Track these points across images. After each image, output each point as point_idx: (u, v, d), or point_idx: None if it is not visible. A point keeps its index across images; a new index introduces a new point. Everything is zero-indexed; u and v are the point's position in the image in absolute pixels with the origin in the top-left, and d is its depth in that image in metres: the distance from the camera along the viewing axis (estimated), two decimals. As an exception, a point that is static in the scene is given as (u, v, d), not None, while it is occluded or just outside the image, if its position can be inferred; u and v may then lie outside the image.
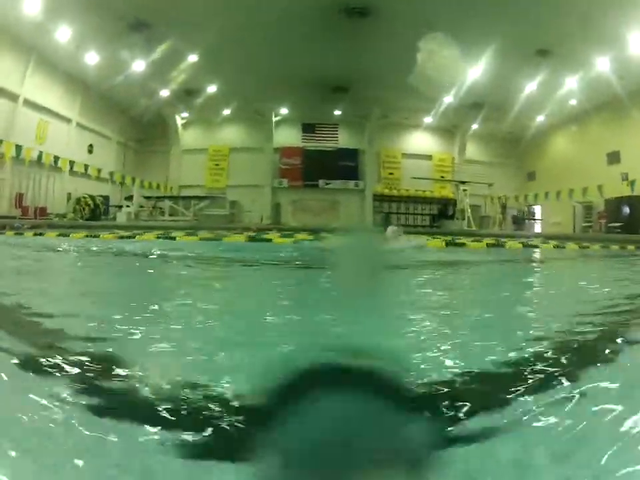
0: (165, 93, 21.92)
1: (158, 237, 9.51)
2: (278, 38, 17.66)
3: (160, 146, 23.93)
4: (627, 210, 21.23)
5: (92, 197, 20.11)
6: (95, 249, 7.06)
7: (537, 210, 23.29)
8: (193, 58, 18.67)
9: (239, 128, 23.27)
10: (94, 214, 19.83)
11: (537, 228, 23.14)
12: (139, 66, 18.48)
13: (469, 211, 19.93)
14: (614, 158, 22.35)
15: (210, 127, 23.56)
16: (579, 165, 22.65)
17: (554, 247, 10.88)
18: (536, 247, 10.88)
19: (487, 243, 10.72)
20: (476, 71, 18.88)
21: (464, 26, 16.26)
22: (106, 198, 21.89)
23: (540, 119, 22.66)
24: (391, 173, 22.31)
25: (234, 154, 23.12)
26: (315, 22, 16.52)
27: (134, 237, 9.44)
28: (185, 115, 23.76)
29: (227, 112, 22.90)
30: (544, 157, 23.53)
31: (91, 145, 22.48)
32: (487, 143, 23.36)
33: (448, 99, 21.05)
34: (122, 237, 9.45)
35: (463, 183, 20.34)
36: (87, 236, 9.51)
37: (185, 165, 23.58)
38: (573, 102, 21.83)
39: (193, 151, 23.55)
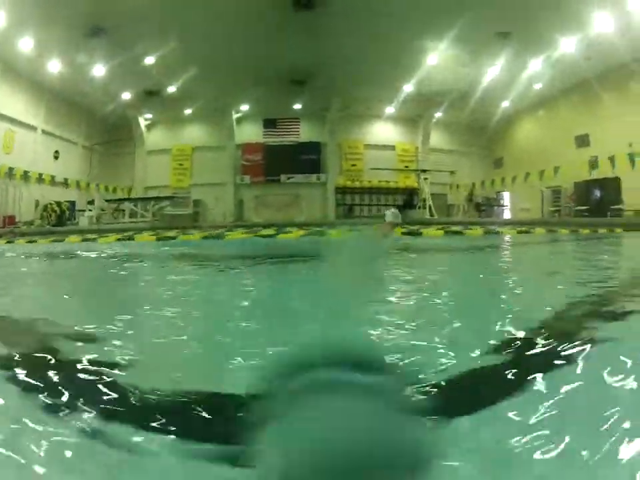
0: (126, 95, 21.99)
1: (119, 239, 9.31)
2: (232, 35, 17.59)
3: (125, 148, 23.93)
4: (594, 193, 20.70)
5: (58, 203, 20.17)
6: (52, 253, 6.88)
7: (506, 197, 22.78)
8: (150, 59, 18.69)
9: (201, 127, 23.20)
10: (60, 220, 19.88)
11: (506, 214, 22.63)
12: (99, 71, 18.69)
13: (430, 199, 19.54)
14: (583, 141, 21.83)
15: (173, 127, 23.54)
16: (546, 149, 22.18)
17: (517, 233, 10.39)
18: (496, 233, 10.47)
19: (445, 231, 10.40)
20: (435, 57, 18.57)
21: (419, 12, 16.02)
22: (72, 203, 21.94)
23: (505, 104, 22.21)
24: (353, 165, 21.99)
25: (197, 153, 23.04)
26: (267, 16, 16.41)
27: (96, 240, 9.24)
28: (148, 116, 23.78)
29: (188, 111, 22.86)
30: (511, 143, 23.07)
31: (57, 151, 22.58)
32: (452, 131, 22.94)
33: (408, 88, 20.75)
34: (85, 240, 9.26)
35: (424, 171, 19.98)
36: (52, 241, 9.34)
37: (150, 166, 23.54)
38: (539, 86, 21.38)
39: (157, 152, 23.52)
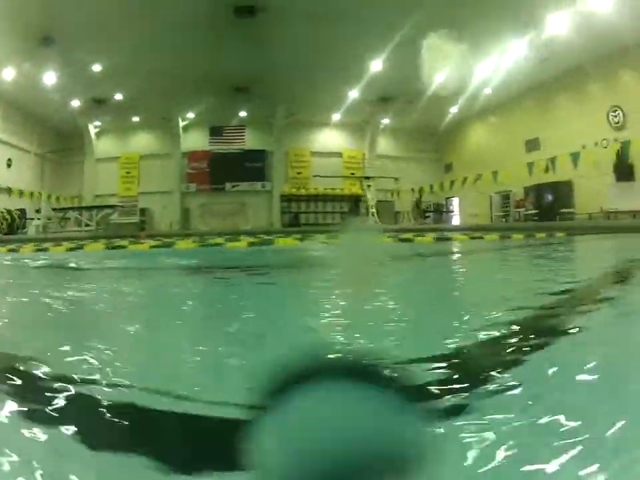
0: (76, 103, 21.93)
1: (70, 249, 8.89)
2: (175, 43, 17.46)
3: (77, 156, 23.84)
4: (545, 197, 20.39)
5: (9, 211, 20.15)
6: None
7: (455, 202, 22.49)
8: (97, 68, 18.66)
9: (148, 134, 23.04)
10: (11, 228, 19.89)
11: (455, 220, 22.35)
12: (50, 79, 18.65)
13: (374, 206, 19.27)
14: (533, 145, 21.53)
15: (121, 134, 23.40)
16: (496, 154, 21.91)
17: (470, 238, 9.87)
18: (446, 239, 10.02)
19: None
20: (379, 63, 18.31)
21: (362, 18, 15.78)
22: (23, 211, 21.90)
23: (454, 109, 21.88)
24: (299, 172, 21.76)
25: (144, 161, 22.88)
26: (209, 23, 16.27)
27: (47, 249, 8.70)
28: (98, 124, 23.68)
29: (136, 119, 22.75)
30: (461, 148, 22.76)
31: (9, 159, 22.53)
32: (402, 138, 22.66)
33: (354, 94, 20.51)
34: (38, 250, 8.85)
35: (367, 178, 19.69)
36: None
37: (99, 174, 23.41)
38: (489, 90, 21.06)
39: (106, 160, 23.37)
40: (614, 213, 18.11)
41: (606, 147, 18.53)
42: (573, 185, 20.18)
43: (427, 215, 19.80)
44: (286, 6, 15.16)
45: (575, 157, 13.88)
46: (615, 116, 18.08)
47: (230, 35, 16.44)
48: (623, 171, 17.79)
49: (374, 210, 19.04)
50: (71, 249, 8.28)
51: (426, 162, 22.54)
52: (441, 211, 21.26)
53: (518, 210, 20.57)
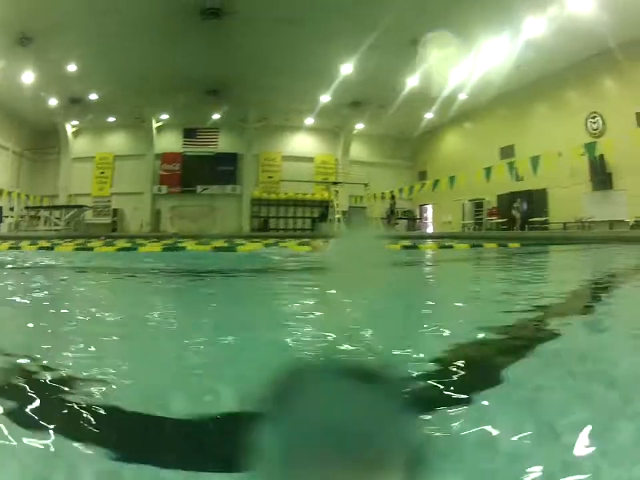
0: (53, 102, 22.02)
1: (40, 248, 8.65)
2: (146, 45, 17.49)
3: (54, 155, 23.96)
4: (516, 205, 20.00)
5: None
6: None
7: (429, 209, 22.16)
8: (73, 68, 18.75)
9: (122, 135, 23.04)
10: None
11: (429, 228, 22.03)
12: (28, 78, 18.75)
13: (340, 212, 19.03)
14: (507, 152, 21.18)
15: (97, 134, 23.42)
16: (470, 161, 21.55)
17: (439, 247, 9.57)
18: (414, 247, 9.50)
19: None
20: (349, 67, 18.09)
21: (330, 20, 15.61)
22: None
23: (429, 116, 21.58)
24: (270, 177, 21.57)
25: (118, 161, 22.87)
26: (177, 25, 16.24)
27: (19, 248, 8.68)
28: (75, 123, 23.75)
29: (111, 119, 22.79)
30: (436, 155, 22.43)
31: (-13, 156, 22.71)
32: (376, 143, 22.40)
33: (326, 99, 20.31)
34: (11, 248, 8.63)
35: (335, 184, 19.45)
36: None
37: (74, 173, 23.46)
38: (463, 96, 20.74)
39: (82, 159, 23.41)
40: (588, 223, 17.68)
41: (583, 154, 18.14)
42: (547, 194, 19.79)
43: (395, 222, 19.49)
44: (252, 9, 15.06)
45: (534, 161, 13.29)
46: (594, 122, 17.67)
47: (197, 38, 16.40)
48: (599, 179, 17.36)
49: (339, 216, 18.79)
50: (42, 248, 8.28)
51: (400, 168, 22.22)
52: (413, 218, 20.91)
53: (490, 218, 20.19)
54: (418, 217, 21.34)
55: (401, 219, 20.51)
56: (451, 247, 9.38)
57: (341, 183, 19.49)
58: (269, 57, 17.77)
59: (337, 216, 18.87)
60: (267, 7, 14.81)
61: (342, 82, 18.78)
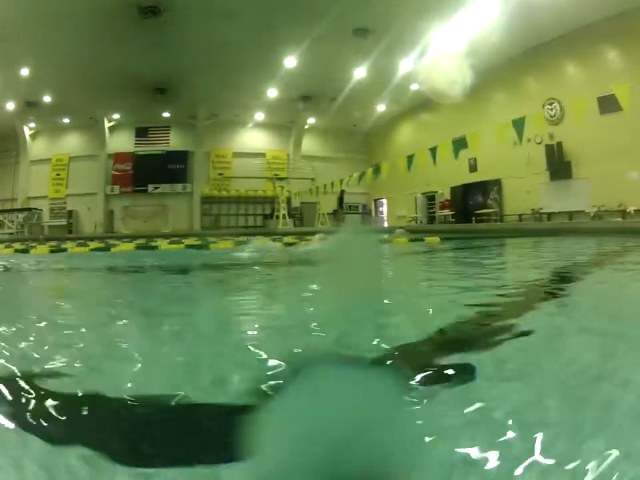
0: (11, 106, 22.09)
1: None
2: (91, 43, 17.41)
3: (12, 158, 24.01)
4: (471, 197, 19.46)
5: None
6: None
7: (384, 203, 21.65)
8: (25, 72, 18.80)
9: (77, 136, 22.97)
10: None
11: (383, 222, 21.53)
12: None
13: (285, 208, 18.66)
14: (460, 144, 20.51)
15: (54, 136, 23.39)
16: (424, 152, 20.95)
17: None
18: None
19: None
20: (292, 59, 17.73)
21: (268, 12, 15.30)
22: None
23: (381, 107, 21.05)
24: (220, 174, 21.27)
25: (73, 162, 22.80)
26: (120, 25, 16.11)
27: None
28: (32, 125, 23.79)
29: (66, 120, 22.77)
30: (389, 148, 21.90)
31: (-53, 161, 22.91)
32: (328, 138, 21.95)
33: (273, 93, 19.95)
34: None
35: (281, 179, 19.08)
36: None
37: (33, 176, 23.49)
38: (415, 86, 20.17)
39: (39, 162, 23.41)
40: (540, 214, 17.06)
41: (539, 143, 17.51)
42: (502, 185, 19.17)
43: (343, 216, 19.01)
44: (187, 5, 14.84)
45: (456, 145, 12.39)
46: (551, 109, 17.00)
47: (140, 36, 16.27)
48: (557, 168, 16.68)
49: (285, 212, 18.41)
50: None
51: (354, 162, 21.71)
52: (362, 212, 20.41)
53: (442, 211, 19.61)
54: (368, 211, 20.82)
55: (348, 213, 20.02)
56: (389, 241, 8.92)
57: (286, 178, 19.09)
58: (211, 52, 17.55)
59: (282, 212, 18.49)
60: (200, 2, 14.55)
61: (289, 76, 18.43)
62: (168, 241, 9.89)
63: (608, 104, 14.89)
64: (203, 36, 16.22)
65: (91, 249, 7.93)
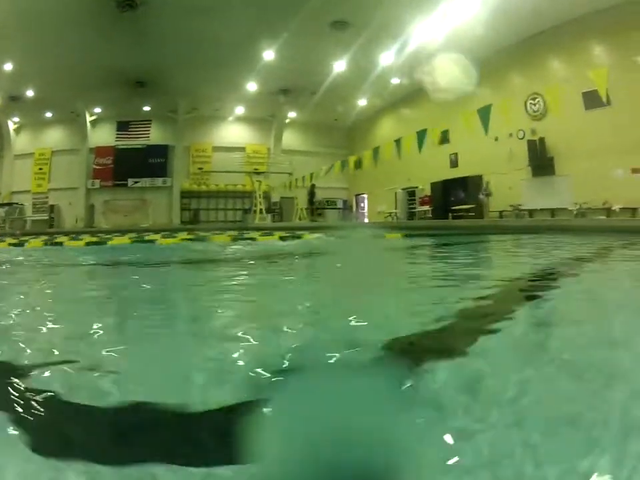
0: None
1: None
2: (72, 38, 17.40)
3: None
4: (448, 193, 19.19)
5: None
6: None
7: (365, 198, 21.41)
8: (8, 66, 18.86)
9: (60, 130, 22.94)
10: None
11: (364, 218, 21.32)
12: None
13: (262, 203, 18.50)
14: (442, 138, 20.25)
15: (37, 130, 23.40)
16: (405, 147, 20.69)
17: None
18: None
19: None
20: (270, 52, 17.56)
21: (245, 4, 15.17)
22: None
23: (362, 102, 20.80)
24: (200, 168, 21.14)
25: (56, 156, 22.79)
26: (99, 18, 16.09)
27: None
28: (16, 120, 23.81)
29: (49, 114, 22.77)
30: (372, 142, 21.57)
31: None
32: (310, 132, 21.75)
33: (252, 87, 19.78)
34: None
35: (258, 174, 18.90)
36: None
37: (16, 170, 23.52)
38: (396, 80, 19.95)
39: (23, 156, 23.45)
40: (519, 211, 16.76)
41: (522, 138, 17.23)
42: (483, 181, 18.86)
43: (318, 212, 18.77)
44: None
45: (420, 136, 12.11)
46: (534, 104, 16.70)
47: (118, 29, 16.27)
48: (539, 164, 16.39)
49: (261, 207, 18.25)
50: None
51: (336, 157, 21.34)
52: (343, 208, 20.16)
53: (423, 207, 19.35)
54: (349, 206, 20.59)
55: (325, 208, 19.79)
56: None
57: (263, 172, 18.92)
58: (189, 46, 17.50)
59: (259, 207, 18.32)
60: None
61: (268, 69, 18.28)
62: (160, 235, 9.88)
63: (593, 99, 14.64)
64: (180, 29, 16.17)
65: (86, 244, 7.86)
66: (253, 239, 8.37)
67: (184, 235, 10.09)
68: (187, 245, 7.83)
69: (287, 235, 8.97)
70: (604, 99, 9.95)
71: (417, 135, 12.24)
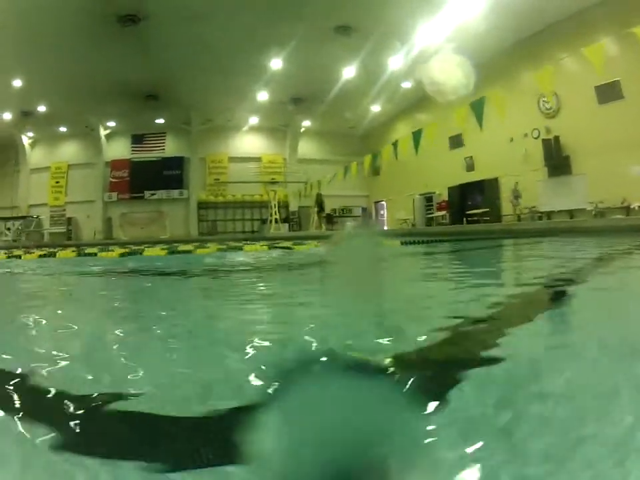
0: (7, 116, 22.32)
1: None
2: (80, 53, 17.53)
3: (11, 167, 24.25)
4: (465, 197, 19.14)
5: None
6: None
7: (384, 206, 21.44)
8: (18, 83, 19.05)
9: (75, 144, 23.11)
10: None
11: (384, 225, 21.35)
12: None
13: (277, 212, 18.55)
14: (456, 142, 20.25)
15: (52, 144, 23.57)
16: (421, 153, 20.64)
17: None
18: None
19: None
20: (278, 61, 17.55)
21: (239, 12, 15.09)
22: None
23: (376, 108, 20.82)
24: (216, 179, 21.24)
25: (72, 170, 22.96)
26: (103, 34, 16.19)
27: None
28: (30, 134, 23.99)
29: (63, 129, 22.94)
30: (387, 149, 21.59)
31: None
32: (325, 140, 21.77)
33: (263, 96, 19.83)
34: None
35: (273, 183, 18.98)
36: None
37: (32, 184, 23.72)
38: (408, 85, 19.92)
39: (39, 170, 23.63)
40: (542, 213, 16.55)
41: (537, 138, 17.08)
42: (499, 184, 18.80)
43: (334, 219, 18.78)
44: (163, 11, 14.79)
45: (416, 136, 11.42)
46: (547, 101, 16.52)
47: (122, 44, 16.35)
48: (555, 164, 16.20)
49: (277, 217, 18.33)
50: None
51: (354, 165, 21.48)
52: (360, 215, 20.19)
53: (440, 212, 19.36)
54: (369, 213, 20.61)
55: (341, 216, 19.82)
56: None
57: (278, 182, 18.99)
58: (195, 57, 17.57)
59: (275, 216, 18.40)
60: (175, 7, 14.48)
61: (276, 78, 18.31)
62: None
63: (607, 92, 14.49)
64: (185, 41, 16.23)
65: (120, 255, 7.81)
66: (289, 247, 8.34)
67: (216, 245, 9.92)
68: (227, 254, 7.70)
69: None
70: (599, 72, 9.43)
71: (412, 136, 11.68)
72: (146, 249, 9.05)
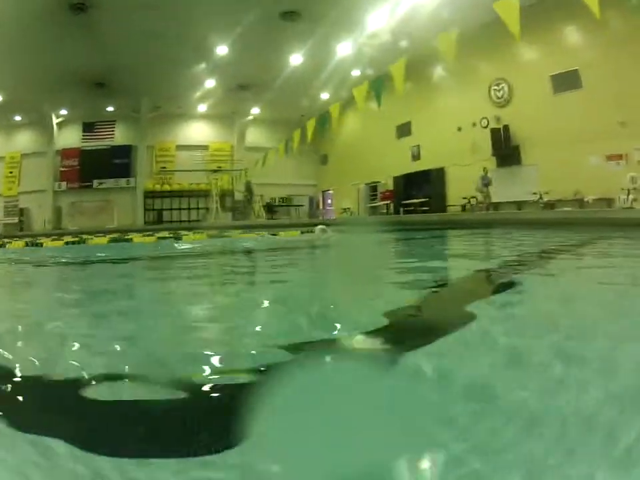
0: None
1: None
2: (32, 42, 17.50)
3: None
4: (409, 187, 18.72)
5: None
6: None
7: (331, 195, 21.01)
8: None
9: (28, 133, 23.02)
10: None
11: (331, 215, 20.94)
12: None
13: (219, 201, 18.26)
14: (404, 130, 19.81)
15: (7, 134, 23.50)
16: (369, 142, 20.29)
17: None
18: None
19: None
20: (224, 47, 17.30)
21: (196, 1, 15.00)
22: None
23: (325, 96, 20.41)
24: (163, 167, 20.99)
25: (25, 159, 22.88)
26: (54, 21, 16.15)
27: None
28: (-12, 124, 23.98)
29: (17, 118, 22.89)
30: (337, 138, 21.19)
31: None
32: (274, 128, 21.36)
33: (210, 83, 19.56)
34: None
35: (215, 172, 18.68)
36: None
37: (-11, 174, 23.68)
38: (357, 72, 19.52)
39: (-4, 160, 23.62)
40: (493, 204, 16.02)
41: (486, 127, 16.63)
42: (445, 174, 18.36)
43: (274, 208, 18.41)
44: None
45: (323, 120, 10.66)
46: (499, 90, 16.09)
47: (73, 32, 16.39)
48: (504, 153, 15.74)
49: (217, 205, 18.02)
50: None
51: (302, 154, 21.10)
52: (299, 205, 19.73)
53: (384, 202, 18.90)
54: (301, 203, 20.13)
55: (281, 206, 19.40)
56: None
57: (220, 170, 18.68)
58: (143, 45, 17.47)
59: (215, 206, 18.10)
60: None
61: (224, 65, 18.04)
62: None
63: (564, 81, 13.92)
64: (131, 29, 16.15)
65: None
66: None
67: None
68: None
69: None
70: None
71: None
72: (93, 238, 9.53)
